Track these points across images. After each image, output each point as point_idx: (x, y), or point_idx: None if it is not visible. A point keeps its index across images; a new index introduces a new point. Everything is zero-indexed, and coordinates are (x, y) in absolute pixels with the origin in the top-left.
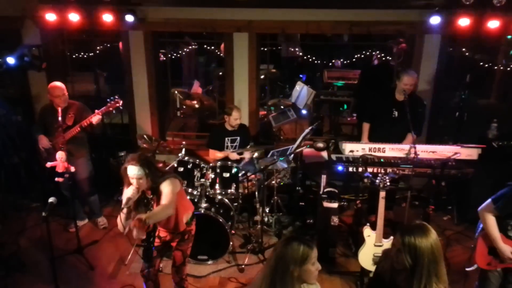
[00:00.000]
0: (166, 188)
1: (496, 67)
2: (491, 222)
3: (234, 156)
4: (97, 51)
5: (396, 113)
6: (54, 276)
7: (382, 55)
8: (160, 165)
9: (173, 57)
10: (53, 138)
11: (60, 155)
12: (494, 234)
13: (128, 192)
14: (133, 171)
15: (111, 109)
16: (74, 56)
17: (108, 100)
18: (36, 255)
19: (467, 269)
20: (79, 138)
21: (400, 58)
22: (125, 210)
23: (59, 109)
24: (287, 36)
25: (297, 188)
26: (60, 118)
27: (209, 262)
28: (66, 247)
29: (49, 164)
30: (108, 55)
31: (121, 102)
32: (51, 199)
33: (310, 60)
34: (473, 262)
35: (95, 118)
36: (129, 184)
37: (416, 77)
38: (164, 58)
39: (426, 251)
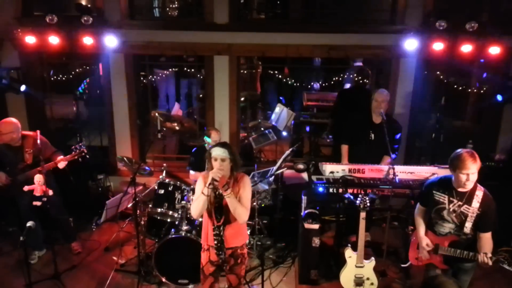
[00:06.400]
0: (248, 188)
1: (469, 90)
2: (416, 211)
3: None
4: (77, 74)
5: (372, 136)
6: None
7: (359, 78)
8: (140, 187)
9: (153, 79)
10: (14, 176)
11: (38, 178)
12: (416, 222)
13: (213, 173)
14: (218, 151)
15: (76, 157)
16: (53, 79)
17: (73, 148)
18: (12, 282)
19: (402, 265)
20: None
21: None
22: (206, 191)
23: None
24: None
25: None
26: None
27: (190, 286)
28: (43, 272)
29: (26, 188)
30: (88, 78)
31: (85, 150)
32: (29, 223)
33: (289, 82)
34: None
35: (61, 164)
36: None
37: (386, 94)
38: (145, 81)
39: None
